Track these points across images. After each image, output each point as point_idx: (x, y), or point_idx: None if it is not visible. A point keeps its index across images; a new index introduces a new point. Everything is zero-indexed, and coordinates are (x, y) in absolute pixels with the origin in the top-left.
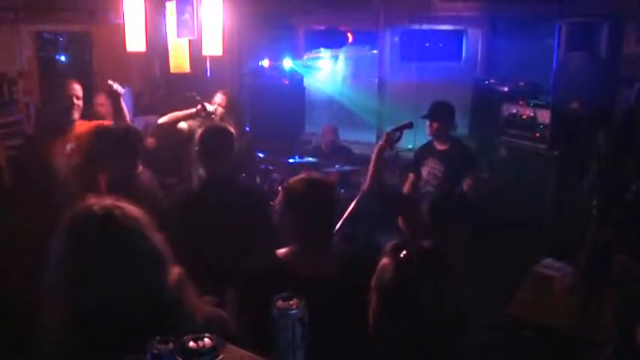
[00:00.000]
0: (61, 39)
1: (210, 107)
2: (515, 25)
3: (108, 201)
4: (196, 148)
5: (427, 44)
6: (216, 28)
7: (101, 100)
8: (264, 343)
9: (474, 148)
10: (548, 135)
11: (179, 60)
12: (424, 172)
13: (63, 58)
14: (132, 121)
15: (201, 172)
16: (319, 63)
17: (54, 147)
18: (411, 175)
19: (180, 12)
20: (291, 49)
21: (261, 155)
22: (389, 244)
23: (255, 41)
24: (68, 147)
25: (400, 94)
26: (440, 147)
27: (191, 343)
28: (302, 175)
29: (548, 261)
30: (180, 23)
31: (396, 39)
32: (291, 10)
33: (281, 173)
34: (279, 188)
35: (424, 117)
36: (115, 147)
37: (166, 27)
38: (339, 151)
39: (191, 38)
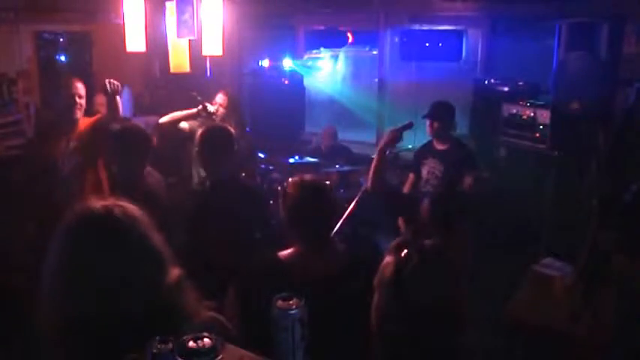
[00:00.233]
0: (61, 39)
1: (211, 107)
2: (515, 25)
3: (109, 200)
4: (196, 148)
5: (427, 44)
6: (216, 28)
7: (101, 100)
8: (265, 343)
9: (474, 148)
10: (548, 135)
11: (179, 60)
12: (424, 171)
13: (63, 58)
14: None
15: (202, 172)
16: (319, 63)
17: (57, 146)
18: (411, 175)
19: (180, 12)
20: (291, 49)
21: (261, 155)
22: (392, 243)
23: (255, 41)
24: (71, 145)
25: (400, 94)
26: (440, 147)
27: (191, 343)
28: (297, 179)
29: (548, 260)
30: (180, 23)
31: (396, 39)
32: (291, 10)
33: (281, 173)
34: (279, 188)
35: (424, 117)
36: (123, 148)
37: (166, 27)
38: (338, 152)
39: (191, 38)
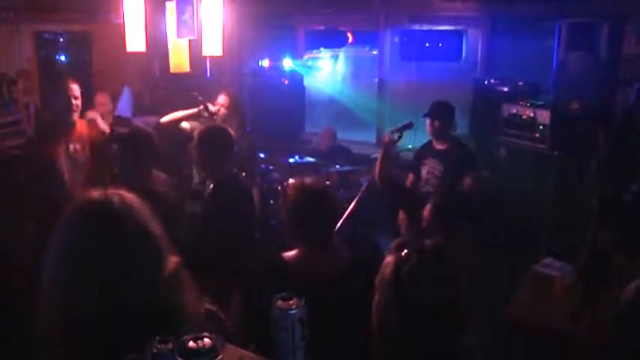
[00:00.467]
0: (61, 39)
1: (212, 107)
2: (515, 25)
3: (107, 190)
4: (195, 148)
5: (427, 44)
6: (216, 28)
7: (101, 100)
8: (266, 343)
9: (474, 148)
10: (548, 135)
11: (179, 60)
12: (423, 171)
13: (63, 58)
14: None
15: (202, 172)
16: (319, 63)
17: (56, 147)
18: (411, 175)
19: (180, 12)
20: (291, 49)
21: (261, 155)
22: (393, 243)
23: (255, 41)
24: (71, 147)
25: (400, 94)
26: (439, 147)
27: (191, 343)
28: (297, 182)
29: (548, 260)
30: (180, 23)
31: (396, 39)
32: (291, 10)
33: (281, 173)
34: (279, 188)
35: (424, 115)
36: (132, 154)
37: (166, 27)
38: (338, 152)
39: (191, 38)
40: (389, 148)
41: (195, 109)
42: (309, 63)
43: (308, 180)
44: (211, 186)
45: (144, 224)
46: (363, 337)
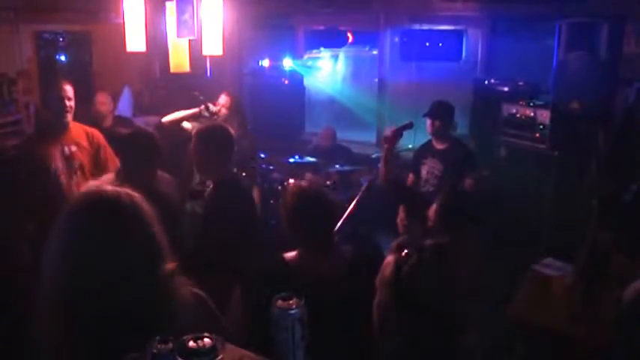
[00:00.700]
0: (61, 39)
1: (213, 108)
2: (515, 25)
3: (117, 186)
4: (194, 148)
5: (427, 44)
6: (216, 28)
7: (101, 99)
8: (266, 343)
9: (474, 148)
10: (548, 135)
11: (179, 60)
12: (423, 171)
13: (63, 58)
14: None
15: (201, 172)
16: (319, 63)
17: (51, 148)
18: (411, 175)
19: (180, 12)
20: (291, 49)
21: (261, 155)
22: (393, 243)
23: (255, 41)
24: (66, 149)
25: (400, 94)
26: (439, 146)
27: (191, 343)
28: (294, 187)
29: (548, 260)
30: (180, 23)
31: (396, 39)
32: (291, 10)
33: (281, 173)
34: (279, 188)
35: (424, 115)
36: (134, 154)
37: (166, 27)
38: (338, 152)
39: (191, 38)
40: (392, 142)
41: (196, 109)
42: (309, 63)
43: (304, 183)
44: (211, 186)
45: (148, 225)
46: (363, 337)
